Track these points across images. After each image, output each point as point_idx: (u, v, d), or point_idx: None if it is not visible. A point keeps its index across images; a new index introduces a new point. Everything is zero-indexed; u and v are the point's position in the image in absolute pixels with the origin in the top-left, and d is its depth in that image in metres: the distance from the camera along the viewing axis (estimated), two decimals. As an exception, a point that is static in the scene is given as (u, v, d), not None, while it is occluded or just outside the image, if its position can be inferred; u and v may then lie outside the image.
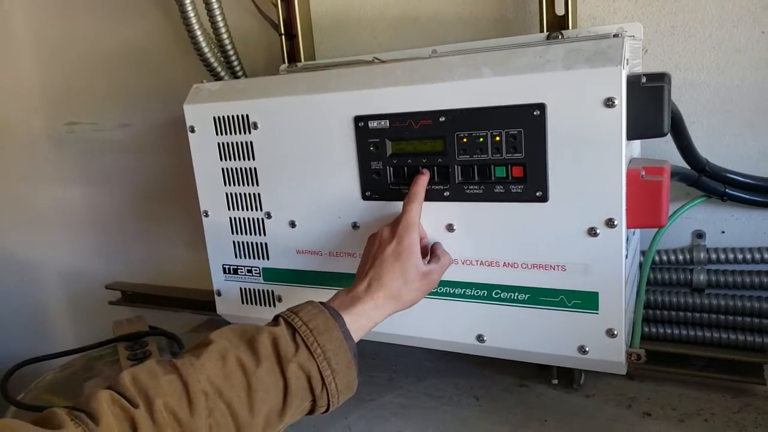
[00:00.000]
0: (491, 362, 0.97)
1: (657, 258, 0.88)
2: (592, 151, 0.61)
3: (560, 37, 0.79)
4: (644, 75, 0.60)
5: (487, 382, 0.94)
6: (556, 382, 0.91)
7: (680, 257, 0.87)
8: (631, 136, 0.61)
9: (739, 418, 0.81)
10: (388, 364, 1.03)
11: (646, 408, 0.84)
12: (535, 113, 0.63)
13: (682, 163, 0.79)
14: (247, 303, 0.89)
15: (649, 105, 0.60)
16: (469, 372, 0.98)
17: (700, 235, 0.87)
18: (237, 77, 1.05)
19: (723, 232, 0.85)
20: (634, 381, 0.92)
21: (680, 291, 0.87)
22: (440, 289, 0.74)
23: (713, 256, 0.85)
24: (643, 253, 0.84)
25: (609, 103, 0.59)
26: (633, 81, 0.60)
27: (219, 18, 1.00)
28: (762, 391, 0.85)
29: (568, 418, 0.84)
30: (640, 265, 0.83)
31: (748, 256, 0.83)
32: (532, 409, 0.86)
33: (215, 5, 0.99)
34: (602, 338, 0.66)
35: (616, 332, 0.66)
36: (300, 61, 1.02)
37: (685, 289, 0.87)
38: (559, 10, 0.82)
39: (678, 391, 0.87)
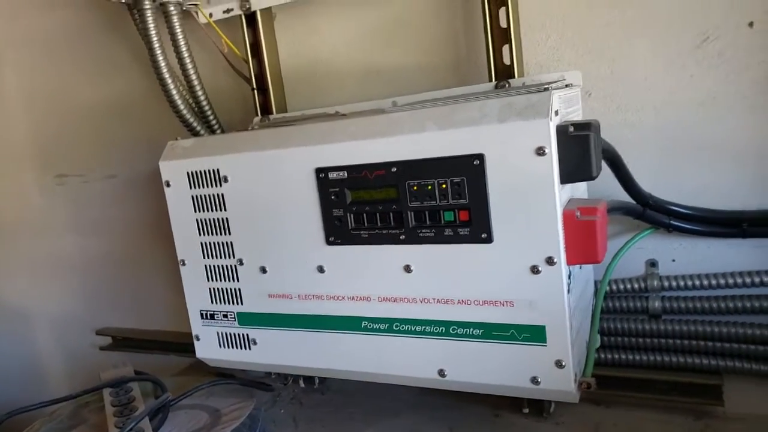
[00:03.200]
0: (466, 394, 1.01)
1: (614, 287, 0.92)
2: (529, 196, 0.66)
3: (507, 85, 0.85)
4: (572, 124, 0.65)
5: (461, 413, 0.98)
6: (527, 411, 0.95)
7: (635, 285, 0.91)
8: (563, 181, 0.66)
9: (699, 439, 0.84)
10: (366, 400, 1.06)
11: (611, 432, 0.88)
12: (475, 162, 0.68)
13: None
14: (224, 347, 0.94)
15: (578, 151, 0.65)
16: (445, 404, 1.01)
17: (653, 263, 0.91)
18: (213, 131, 1.10)
19: (674, 260, 0.90)
20: (600, 407, 0.95)
21: (638, 318, 0.91)
22: (402, 327, 0.78)
23: (666, 284, 0.89)
24: (598, 283, 0.89)
25: (540, 151, 0.65)
26: (561, 130, 0.65)
27: (193, 75, 1.06)
28: (721, 412, 0.89)
29: (537, 445, 0.87)
30: (596, 294, 0.88)
31: (698, 283, 0.87)
32: (503, 438, 0.90)
33: (189, 64, 1.05)
34: (552, 369, 0.70)
35: (564, 363, 0.70)
36: (272, 112, 1.08)
37: (642, 316, 0.91)
38: (506, 60, 0.88)
39: (642, 415, 0.91)
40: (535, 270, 0.68)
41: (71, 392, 1.00)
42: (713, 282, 0.86)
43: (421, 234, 0.74)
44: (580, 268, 0.78)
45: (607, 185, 0.84)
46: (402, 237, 0.75)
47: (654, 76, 0.85)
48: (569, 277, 0.70)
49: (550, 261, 0.67)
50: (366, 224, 0.77)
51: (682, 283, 0.88)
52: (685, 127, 0.84)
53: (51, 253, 1.53)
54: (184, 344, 1.31)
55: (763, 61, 0.79)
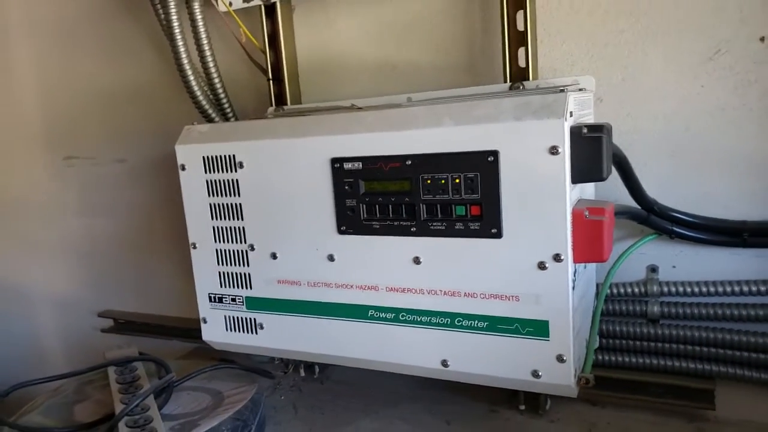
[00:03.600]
0: (464, 389, 1.03)
1: (615, 290, 0.94)
2: (541, 193, 0.68)
3: (521, 87, 0.87)
4: (585, 126, 0.67)
5: (459, 407, 1.00)
6: (523, 407, 0.97)
7: (636, 290, 0.93)
8: (574, 180, 0.68)
9: (690, 441, 0.86)
10: (365, 391, 1.08)
11: (605, 432, 0.90)
12: (489, 159, 0.70)
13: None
14: (230, 330, 0.95)
15: (590, 153, 0.67)
16: (443, 398, 1.03)
17: (653, 269, 0.93)
18: (227, 119, 1.12)
19: (674, 266, 0.92)
20: (596, 407, 0.97)
21: (636, 321, 0.93)
22: (408, 317, 0.80)
23: (666, 289, 0.91)
24: (599, 286, 0.91)
25: (553, 150, 0.67)
26: (575, 131, 0.67)
27: (211, 63, 1.07)
28: (713, 416, 0.91)
29: (532, 441, 0.89)
30: (597, 296, 0.90)
31: (696, 290, 0.89)
32: (499, 432, 0.92)
33: (207, 52, 1.06)
34: (553, 363, 0.72)
35: (565, 358, 0.72)
36: (287, 104, 1.10)
37: (641, 319, 0.93)
38: (521, 63, 0.90)
39: (635, 416, 0.93)
40: (542, 266, 0.70)
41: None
42: (712, 289, 0.88)
43: (432, 227, 0.76)
44: (585, 267, 0.80)
45: (613, 190, 0.86)
46: (413, 229, 0.77)
47: (665, 85, 0.87)
48: (574, 275, 0.72)
49: (557, 258, 0.69)
50: (378, 215, 0.79)
51: (681, 289, 0.90)
52: (693, 136, 0.86)
53: (57, 234, 1.54)
54: (186, 329, 1.33)
55: (771, 76, 0.81)
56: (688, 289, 0.90)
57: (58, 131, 1.47)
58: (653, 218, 0.87)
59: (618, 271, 0.89)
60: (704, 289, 0.89)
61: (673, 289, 0.90)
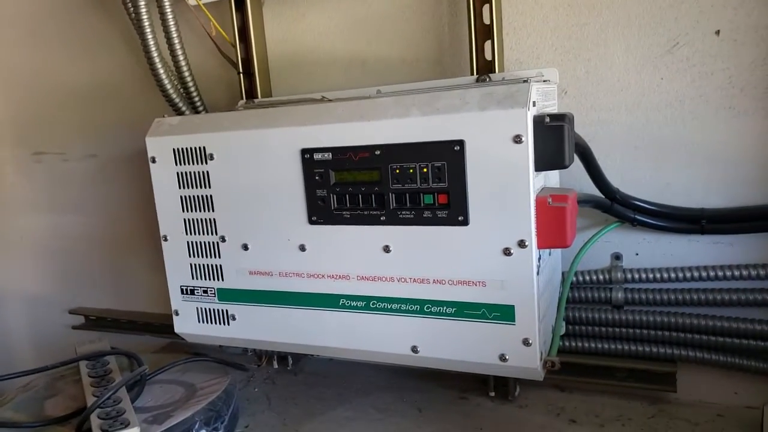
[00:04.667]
0: (435, 377, 1.05)
1: (580, 278, 0.96)
2: (505, 181, 0.70)
3: (488, 79, 0.89)
4: (548, 115, 0.69)
5: (429, 395, 1.02)
6: (493, 394, 0.99)
7: (600, 277, 0.95)
8: (538, 168, 0.70)
9: (653, 422, 0.89)
10: (338, 382, 1.09)
11: (572, 416, 0.93)
12: (455, 148, 0.71)
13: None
14: (203, 322, 0.95)
15: (552, 141, 0.69)
16: (414, 386, 1.05)
17: (617, 256, 0.96)
18: (198, 112, 1.12)
19: (637, 254, 0.94)
20: (564, 392, 1.00)
21: (601, 308, 0.95)
22: (379, 305, 0.81)
23: (629, 276, 0.94)
24: (565, 273, 0.93)
25: (517, 139, 0.68)
26: (538, 120, 0.69)
27: (181, 56, 1.07)
28: (674, 398, 0.94)
29: (502, 426, 0.92)
30: (563, 283, 0.92)
31: (658, 276, 0.92)
32: (470, 418, 0.94)
33: (177, 45, 1.06)
34: (519, 347, 0.74)
35: (530, 341, 0.74)
36: (257, 97, 1.10)
37: (605, 306, 0.96)
38: (488, 56, 0.92)
39: (601, 400, 0.96)
40: (507, 252, 0.72)
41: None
42: (673, 275, 0.91)
43: (400, 215, 0.77)
44: (549, 254, 0.82)
45: (578, 179, 0.89)
46: (382, 218, 0.78)
47: (627, 78, 0.89)
48: (539, 261, 0.74)
49: (521, 244, 0.71)
50: (348, 205, 0.80)
51: (644, 276, 0.93)
52: (654, 127, 0.89)
53: (26, 231, 1.52)
54: (158, 325, 1.32)
55: (727, 68, 0.84)
56: (651, 276, 0.92)
57: (26, 126, 1.45)
58: (616, 206, 0.89)
59: (583, 259, 0.91)
60: (666, 275, 0.91)
61: (636, 276, 0.93)
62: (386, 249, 0.79)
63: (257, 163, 0.84)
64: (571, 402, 0.97)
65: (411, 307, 0.80)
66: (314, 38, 1.10)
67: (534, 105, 0.70)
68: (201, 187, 0.89)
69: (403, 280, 0.79)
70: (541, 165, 0.70)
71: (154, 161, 0.92)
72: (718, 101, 0.85)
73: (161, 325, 1.31)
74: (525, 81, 0.72)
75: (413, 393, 1.03)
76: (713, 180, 0.88)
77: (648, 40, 0.87)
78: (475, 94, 0.71)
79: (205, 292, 0.94)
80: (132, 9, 1.05)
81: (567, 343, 0.97)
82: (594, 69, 0.91)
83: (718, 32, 0.84)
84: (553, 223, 0.71)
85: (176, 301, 0.97)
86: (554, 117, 0.69)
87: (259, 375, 1.15)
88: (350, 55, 1.08)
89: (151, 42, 1.04)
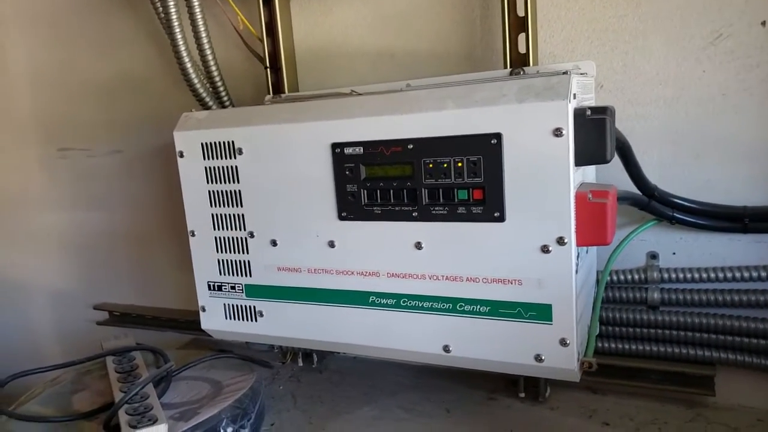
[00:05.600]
0: (463, 377, 1.03)
1: (615, 278, 0.94)
2: (544, 176, 0.68)
3: (522, 73, 0.87)
4: (589, 108, 0.67)
5: (458, 395, 1.00)
6: (523, 395, 0.97)
7: (636, 277, 0.93)
8: (578, 163, 0.68)
9: (691, 426, 0.86)
10: (364, 380, 1.07)
11: (605, 419, 0.90)
12: (492, 142, 0.69)
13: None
14: (230, 318, 0.94)
15: (594, 135, 0.67)
16: (442, 386, 1.03)
17: (653, 255, 0.93)
18: (225, 107, 1.11)
19: (674, 253, 0.92)
20: (596, 394, 0.97)
21: (636, 308, 0.93)
22: (409, 303, 0.80)
23: (666, 276, 0.91)
24: (600, 273, 0.91)
25: (557, 132, 0.66)
26: (579, 113, 0.67)
27: (208, 51, 1.06)
28: (712, 402, 0.91)
29: (533, 428, 0.89)
30: (598, 282, 0.89)
31: (696, 276, 0.89)
32: (500, 420, 0.92)
33: (204, 40, 1.05)
34: (556, 347, 0.72)
35: (568, 341, 0.71)
36: (284, 92, 1.09)
37: (641, 306, 0.93)
38: (521, 49, 0.89)
39: (636, 403, 0.93)
40: (545, 249, 0.70)
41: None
42: (712, 275, 0.88)
43: (433, 211, 0.75)
44: (587, 252, 0.80)
45: (614, 175, 0.86)
46: (414, 214, 0.76)
47: (666, 71, 0.86)
48: (577, 258, 0.72)
49: (560, 241, 0.69)
50: (379, 200, 0.78)
51: (681, 276, 0.90)
52: (694, 121, 0.86)
53: (52, 227, 1.53)
54: (183, 321, 1.32)
55: (772, 60, 0.81)
56: (688, 276, 0.89)
57: (51, 123, 1.46)
58: (654, 204, 0.86)
59: (618, 258, 0.89)
60: (704, 276, 0.88)
61: (674, 276, 0.90)
62: (418, 246, 0.77)
63: (286, 157, 0.83)
64: (603, 404, 0.94)
65: (443, 306, 0.78)
66: (342, 32, 1.08)
67: (575, 97, 0.67)
68: (230, 181, 0.88)
69: (435, 277, 0.77)
70: (582, 159, 0.68)
71: (182, 156, 0.91)
72: (763, 94, 0.82)
73: (185, 321, 1.31)
74: (565, 73, 0.70)
75: (440, 393, 1.01)
76: (756, 176, 0.85)
77: (689, 31, 0.84)
78: (512, 86, 0.69)
79: (233, 288, 0.93)
80: (160, 4, 1.05)
81: (600, 344, 0.94)
82: (632, 62, 0.88)
83: (764, 23, 0.81)
84: (593, 219, 0.69)
85: (203, 297, 0.96)
86: (596, 110, 0.67)
87: (284, 373, 1.14)
88: (378, 48, 1.06)
89: (179, 37, 1.03)
